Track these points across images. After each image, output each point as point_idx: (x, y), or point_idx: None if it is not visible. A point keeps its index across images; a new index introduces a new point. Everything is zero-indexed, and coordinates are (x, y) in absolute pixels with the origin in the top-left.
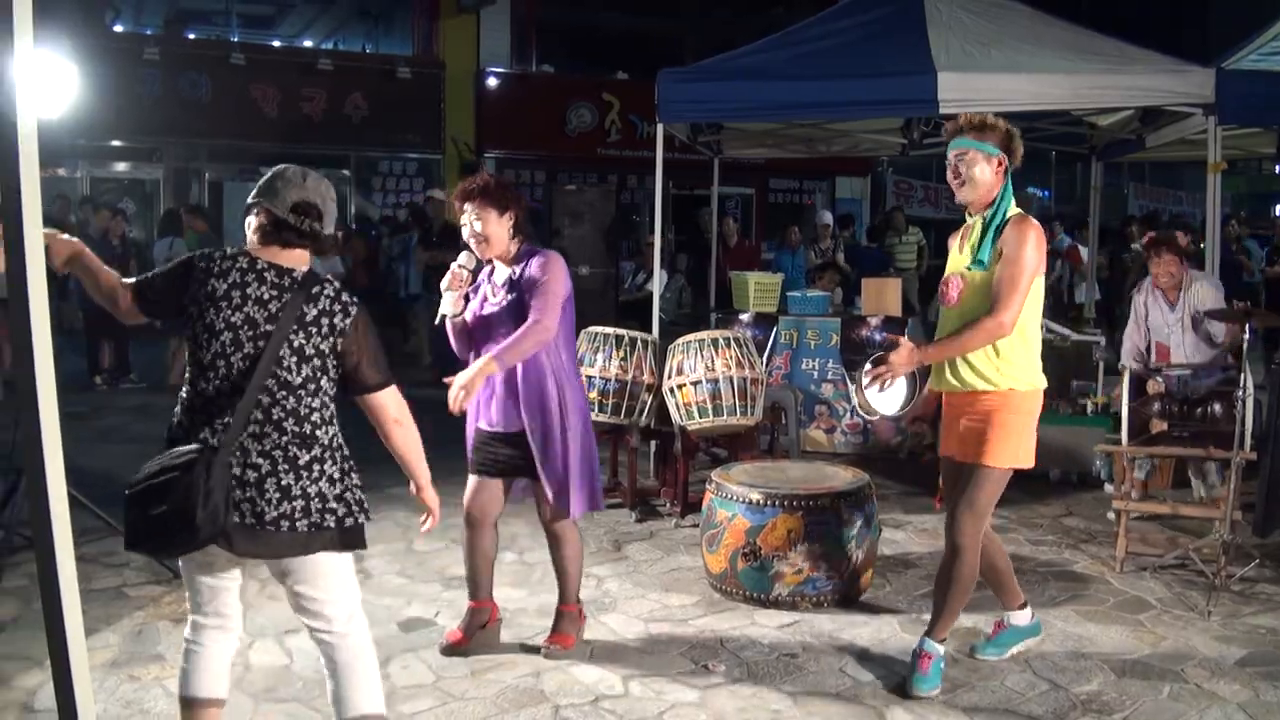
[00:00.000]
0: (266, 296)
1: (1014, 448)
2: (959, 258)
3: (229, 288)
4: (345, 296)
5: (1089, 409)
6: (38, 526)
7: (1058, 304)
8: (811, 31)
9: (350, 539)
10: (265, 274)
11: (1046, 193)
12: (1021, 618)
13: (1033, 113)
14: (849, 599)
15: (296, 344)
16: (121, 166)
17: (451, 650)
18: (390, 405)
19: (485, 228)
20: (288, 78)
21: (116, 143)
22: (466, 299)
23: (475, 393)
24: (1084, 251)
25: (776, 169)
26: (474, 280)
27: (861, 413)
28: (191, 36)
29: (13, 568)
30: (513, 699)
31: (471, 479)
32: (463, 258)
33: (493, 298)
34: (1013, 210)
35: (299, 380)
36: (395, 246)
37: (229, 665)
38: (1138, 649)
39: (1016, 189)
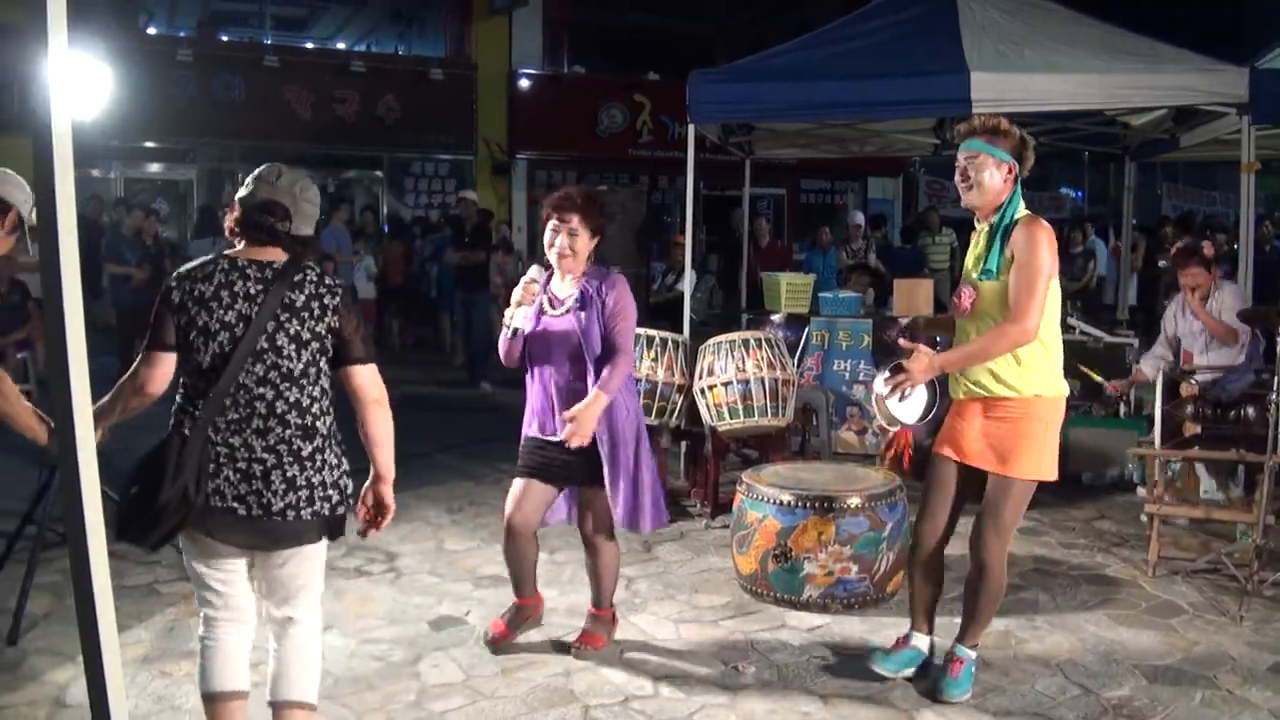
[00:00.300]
0: (253, 291)
1: (1038, 459)
2: (970, 266)
3: (215, 289)
4: (329, 278)
5: (1121, 412)
6: (71, 523)
7: (1098, 305)
8: (843, 31)
9: (337, 526)
10: (247, 270)
11: (1080, 193)
12: (923, 642)
13: (1066, 112)
14: (880, 601)
15: (292, 331)
16: (155, 167)
17: (494, 641)
18: (373, 383)
19: (576, 244)
20: (321, 79)
21: (150, 144)
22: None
23: (590, 429)
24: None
25: (808, 169)
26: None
27: (882, 422)
28: (225, 39)
29: (46, 564)
30: (543, 698)
31: (517, 483)
32: (534, 271)
33: (552, 310)
34: (1020, 213)
35: (300, 368)
36: (427, 247)
37: (247, 656)
38: (1169, 654)
39: (1051, 187)
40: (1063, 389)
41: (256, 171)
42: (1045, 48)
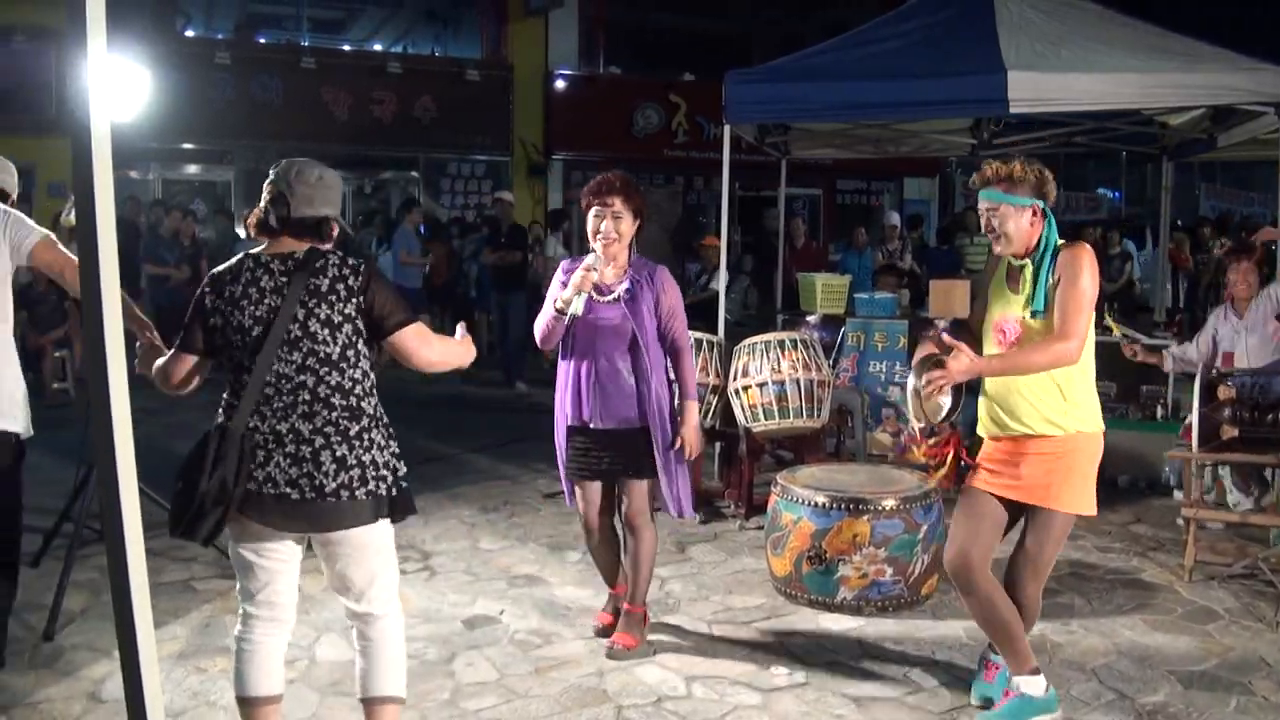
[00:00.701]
0: (278, 283)
1: (1080, 492)
2: (1012, 299)
3: (244, 287)
4: (350, 260)
5: (1159, 414)
6: (108, 520)
7: (1134, 307)
8: (879, 31)
9: (396, 506)
10: (270, 264)
11: (1117, 194)
12: (1034, 686)
13: (1103, 112)
14: (914, 604)
15: (323, 315)
16: (193, 169)
17: (603, 632)
18: (421, 343)
19: (620, 226)
20: (358, 81)
21: (188, 145)
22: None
23: (697, 438)
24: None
25: (844, 170)
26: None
27: (914, 420)
28: (262, 41)
29: (83, 560)
30: (576, 698)
31: (581, 491)
32: (590, 259)
33: (599, 297)
34: (1058, 242)
35: (337, 352)
36: (467, 247)
37: (282, 659)
38: (1205, 660)
39: (1088, 188)
40: (1101, 424)
41: (275, 166)
42: (1082, 47)
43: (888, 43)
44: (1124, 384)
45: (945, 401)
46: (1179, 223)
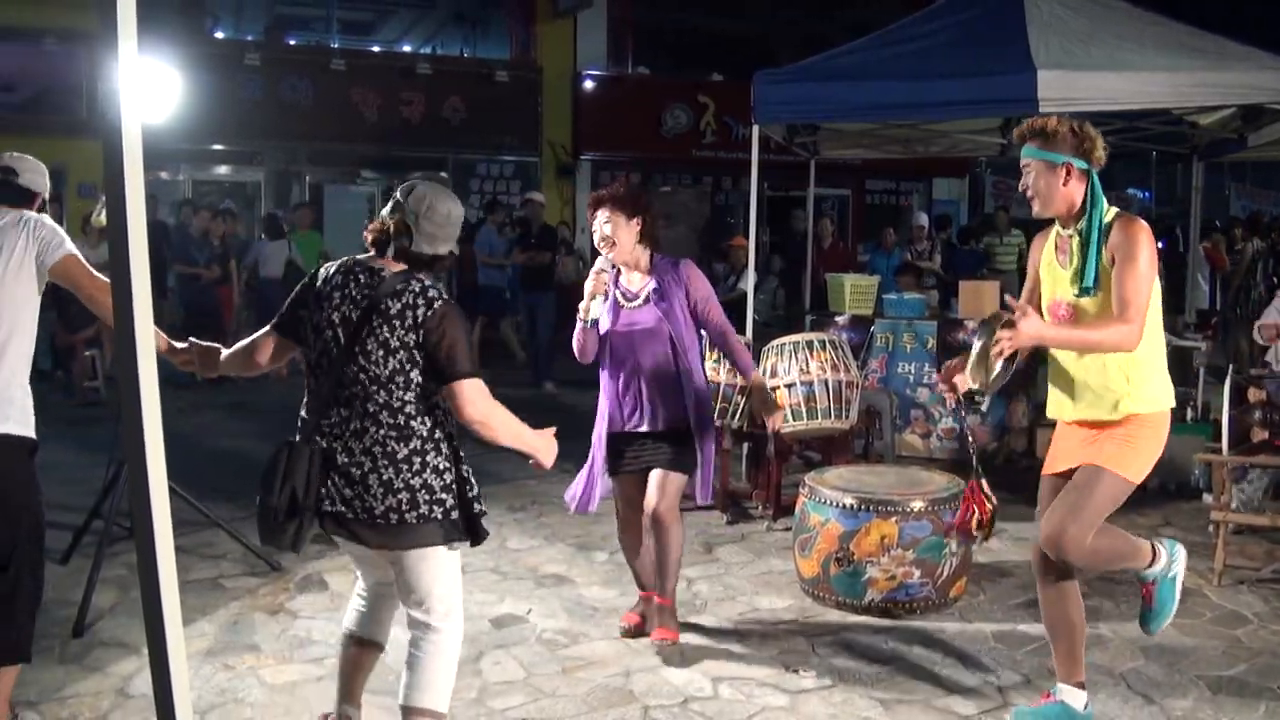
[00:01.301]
0: (358, 296)
1: (1133, 460)
2: (1060, 275)
3: (330, 289)
4: (431, 292)
5: (1188, 416)
6: (138, 517)
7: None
8: (908, 31)
9: (458, 529)
10: (359, 275)
11: (1147, 194)
12: (1076, 698)
13: (1133, 112)
14: (942, 606)
15: (382, 337)
16: (223, 170)
17: (630, 632)
18: (469, 402)
19: (614, 231)
20: (387, 82)
21: (218, 146)
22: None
23: (776, 408)
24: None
25: (873, 170)
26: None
27: (971, 383)
28: (292, 42)
29: (112, 557)
30: (602, 698)
31: (617, 482)
32: (601, 262)
33: (628, 303)
34: (1109, 214)
35: (386, 373)
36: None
37: (391, 618)
38: (1234, 665)
39: (1117, 188)
40: (1170, 401)
41: (403, 188)
42: (1112, 46)
43: (916, 42)
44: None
45: (998, 366)
46: (1216, 223)
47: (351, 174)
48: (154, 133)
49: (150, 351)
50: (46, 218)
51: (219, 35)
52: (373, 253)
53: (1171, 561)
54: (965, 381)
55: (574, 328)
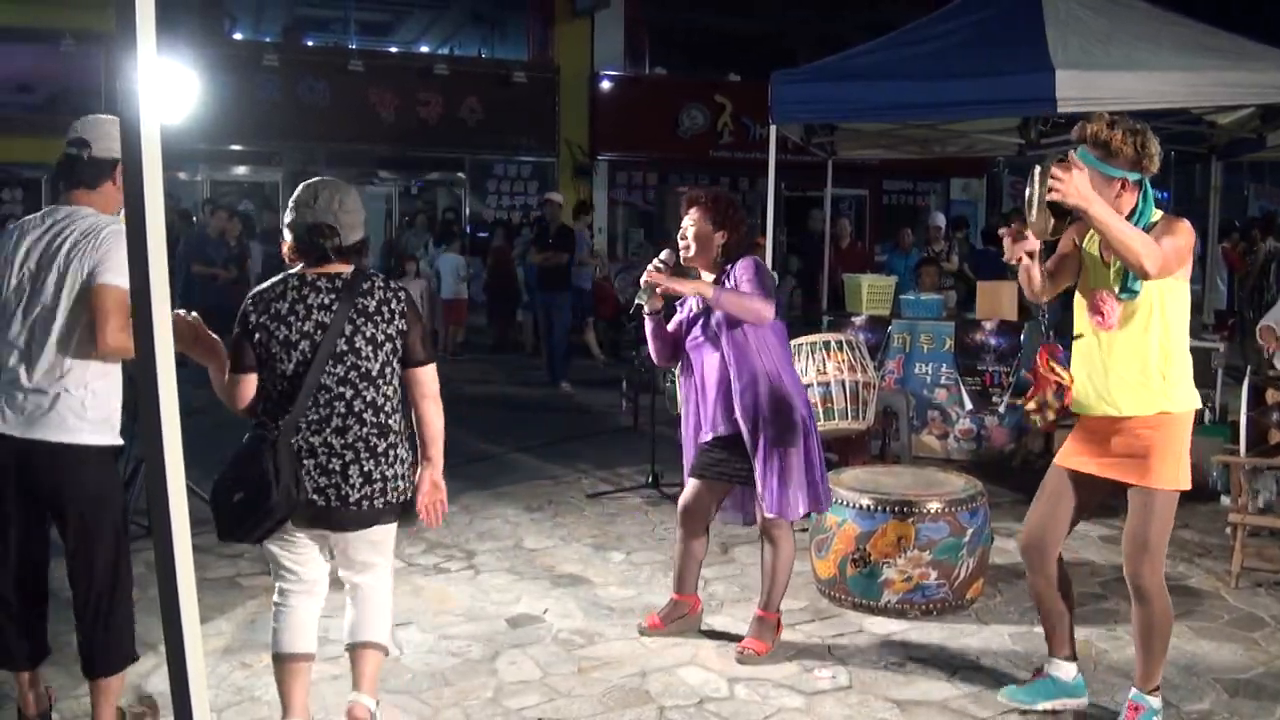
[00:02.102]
0: (326, 301)
1: (1176, 468)
2: (1103, 271)
3: (291, 304)
4: (393, 283)
5: (1206, 418)
6: (156, 516)
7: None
8: (926, 30)
9: (409, 509)
10: (317, 283)
11: (1165, 194)
12: (1065, 670)
13: (1151, 111)
14: (959, 608)
15: (369, 333)
16: (241, 170)
17: (647, 633)
18: (432, 380)
19: (696, 234)
20: (405, 82)
21: (236, 147)
22: (669, 303)
23: (683, 288)
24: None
25: (890, 170)
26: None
27: (1032, 231)
28: (310, 44)
29: (130, 555)
30: (618, 698)
31: (690, 482)
32: (664, 254)
33: (698, 308)
34: (1154, 216)
35: (376, 368)
36: (517, 247)
37: (315, 623)
38: (1251, 668)
39: None
40: (1196, 402)
41: (295, 196)
42: (1130, 45)
43: (934, 42)
44: None
45: (1050, 221)
46: (1235, 223)
47: (369, 174)
48: (172, 133)
49: (169, 350)
50: (121, 228)
51: (237, 36)
52: (299, 266)
53: (1073, 687)
54: (1029, 232)
55: (587, 327)
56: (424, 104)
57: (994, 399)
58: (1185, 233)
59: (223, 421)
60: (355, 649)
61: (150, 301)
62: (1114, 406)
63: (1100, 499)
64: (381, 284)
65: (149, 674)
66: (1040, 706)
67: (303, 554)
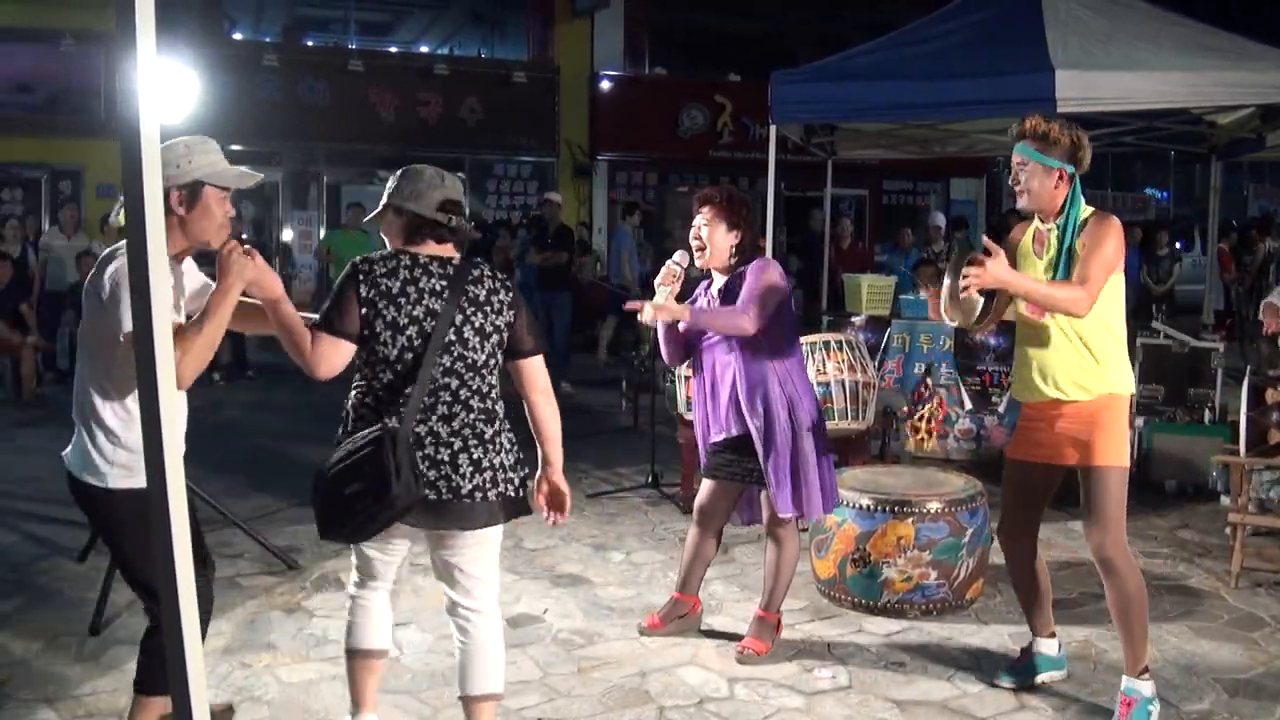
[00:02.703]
0: (438, 286)
1: (1120, 446)
2: (1034, 264)
3: (402, 284)
4: (500, 274)
5: (1206, 418)
6: (156, 517)
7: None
8: (926, 31)
9: (521, 506)
10: (430, 267)
11: (1165, 194)
12: (1049, 646)
13: (1151, 111)
14: (959, 608)
15: (478, 323)
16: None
17: (647, 632)
18: (541, 374)
19: (709, 235)
20: (405, 82)
21: (236, 147)
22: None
23: (660, 315)
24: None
25: (890, 170)
26: (684, 278)
27: (947, 318)
28: (310, 44)
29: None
30: (618, 698)
31: (705, 482)
32: (678, 255)
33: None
34: (1085, 212)
35: (483, 358)
36: (516, 247)
37: (390, 621)
38: (1251, 668)
39: (1136, 188)
40: (1132, 386)
41: (415, 174)
42: (1129, 45)
43: (934, 42)
44: (1171, 387)
45: (979, 301)
46: (1234, 223)
47: (369, 174)
48: (172, 133)
49: (169, 351)
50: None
51: (237, 36)
52: (403, 242)
53: (1057, 660)
54: (944, 315)
55: (589, 326)
56: (424, 104)
57: (994, 399)
58: (1114, 236)
59: (222, 424)
60: (473, 702)
61: (150, 304)
62: (1051, 390)
63: (1057, 482)
64: (490, 273)
65: None
66: (1037, 680)
67: (395, 555)
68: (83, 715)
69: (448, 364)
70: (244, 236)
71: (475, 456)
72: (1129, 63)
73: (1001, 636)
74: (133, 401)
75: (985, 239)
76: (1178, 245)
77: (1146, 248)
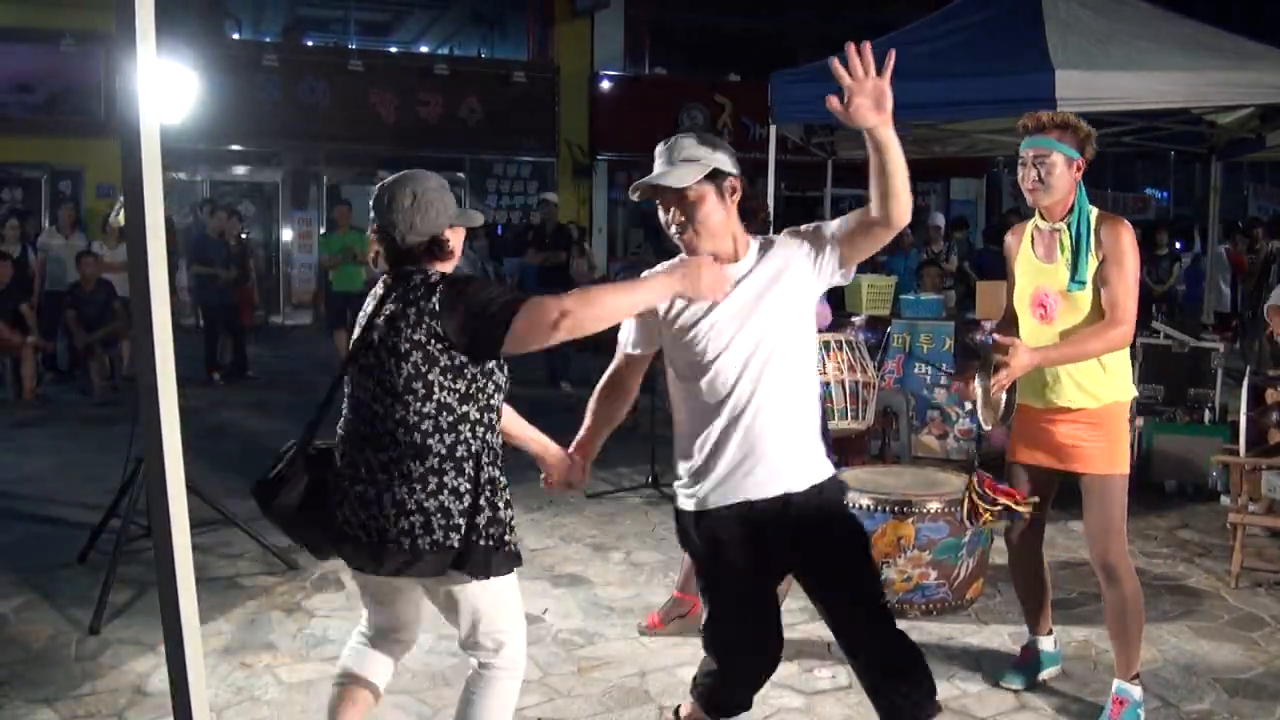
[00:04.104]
0: (370, 306)
1: (1122, 452)
2: (1045, 269)
3: (374, 306)
4: (434, 278)
5: (1206, 418)
6: (156, 516)
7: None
8: (927, 30)
9: (476, 565)
10: (378, 288)
11: (1165, 194)
12: (1048, 644)
13: (1151, 111)
14: (959, 608)
15: (390, 343)
16: (241, 170)
17: (647, 632)
18: (533, 322)
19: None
20: (405, 82)
21: (236, 147)
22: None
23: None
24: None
25: None
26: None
27: (985, 422)
28: (310, 44)
29: (130, 556)
30: (618, 698)
31: None
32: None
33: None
34: (1093, 211)
35: (400, 383)
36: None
37: (392, 666)
38: (1251, 667)
39: (1136, 188)
40: (1133, 391)
41: (390, 196)
42: (1130, 45)
43: (935, 42)
44: (1171, 387)
45: (1002, 398)
46: (1239, 223)
47: (369, 174)
48: (172, 133)
49: (169, 351)
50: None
51: (237, 36)
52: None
53: (1054, 655)
54: (982, 418)
55: None
56: (424, 104)
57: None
58: (1131, 249)
59: (222, 423)
60: None
61: (150, 303)
62: (1057, 398)
63: (1057, 484)
64: (418, 282)
65: (149, 674)
66: (1040, 678)
67: (372, 609)
68: (83, 715)
69: (372, 389)
70: (244, 236)
71: (399, 497)
72: (1129, 63)
73: (1001, 636)
74: None
75: (995, 336)
76: (1178, 245)
77: (1146, 248)
